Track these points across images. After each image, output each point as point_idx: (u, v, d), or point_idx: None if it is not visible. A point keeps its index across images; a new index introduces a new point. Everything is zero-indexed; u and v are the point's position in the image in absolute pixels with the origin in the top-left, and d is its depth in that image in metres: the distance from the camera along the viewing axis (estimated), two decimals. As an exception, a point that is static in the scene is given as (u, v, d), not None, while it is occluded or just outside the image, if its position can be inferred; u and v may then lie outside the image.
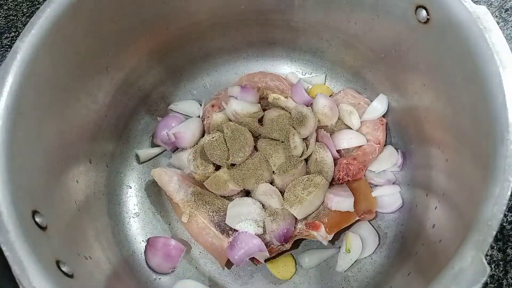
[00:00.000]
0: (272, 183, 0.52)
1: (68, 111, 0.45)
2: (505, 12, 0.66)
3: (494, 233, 0.31)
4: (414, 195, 0.53)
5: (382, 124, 0.57)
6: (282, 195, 0.51)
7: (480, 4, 0.45)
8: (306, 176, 0.52)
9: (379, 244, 0.53)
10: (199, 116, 0.61)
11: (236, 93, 0.58)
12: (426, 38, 0.43)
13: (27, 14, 0.71)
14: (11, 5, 0.72)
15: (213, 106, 0.60)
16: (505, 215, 0.54)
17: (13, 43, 0.50)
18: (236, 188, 0.52)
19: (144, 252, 0.54)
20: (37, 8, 0.50)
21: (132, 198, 0.58)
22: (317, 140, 0.55)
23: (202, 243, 0.52)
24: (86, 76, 0.47)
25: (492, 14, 0.42)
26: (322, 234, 0.50)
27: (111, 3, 0.45)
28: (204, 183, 0.53)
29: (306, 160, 0.53)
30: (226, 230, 0.51)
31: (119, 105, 0.55)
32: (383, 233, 0.54)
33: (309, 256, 0.53)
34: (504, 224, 0.54)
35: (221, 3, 0.54)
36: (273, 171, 0.52)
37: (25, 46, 0.38)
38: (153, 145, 0.60)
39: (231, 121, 0.55)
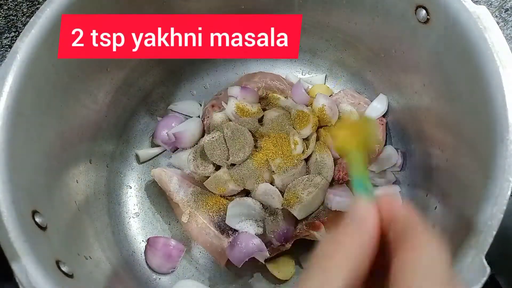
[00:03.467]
0: (272, 183, 0.52)
1: (68, 111, 0.45)
2: (505, 12, 0.66)
3: (494, 233, 0.31)
4: (414, 195, 0.53)
5: (382, 124, 0.57)
6: (282, 195, 0.51)
7: (480, 4, 0.45)
8: (306, 176, 0.52)
9: (379, 244, 0.53)
10: (199, 116, 0.61)
11: (236, 93, 0.58)
12: (426, 38, 0.43)
13: (27, 14, 0.71)
14: (11, 5, 0.72)
15: (213, 106, 0.60)
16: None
17: (13, 43, 0.50)
18: (236, 188, 0.52)
19: (144, 252, 0.54)
20: (37, 8, 0.50)
21: (132, 198, 0.58)
22: (317, 140, 0.55)
23: (202, 243, 0.52)
24: (86, 76, 0.47)
25: (492, 14, 0.42)
26: (322, 234, 0.49)
27: (111, 3, 0.45)
28: (204, 183, 0.53)
29: (306, 160, 0.53)
30: (226, 230, 0.51)
31: (119, 105, 0.55)
32: (383, 233, 0.54)
33: (309, 256, 0.53)
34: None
35: (221, 3, 0.54)
36: (273, 171, 0.52)
37: (25, 46, 0.38)
38: (153, 145, 0.60)
39: (231, 121, 0.55)
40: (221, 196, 0.53)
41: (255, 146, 0.53)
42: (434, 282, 0.22)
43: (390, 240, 0.26)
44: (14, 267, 0.33)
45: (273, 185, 0.52)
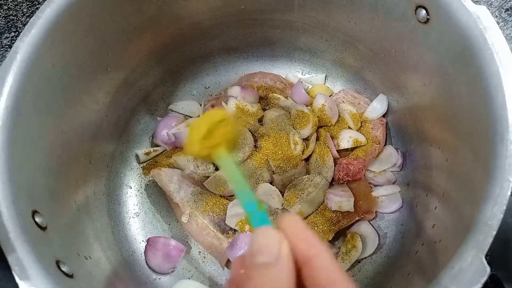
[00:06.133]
0: (272, 183, 0.52)
1: (68, 111, 0.45)
2: (505, 12, 0.66)
3: (494, 233, 0.31)
4: (414, 195, 0.53)
5: (382, 124, 0.57)
6: (282, 195, 0.51)
7: (480, 4, 0.45)
8: (306, 176, 0.52)
9: (379, 244, 0.53)
10: (199, 116, 0.61)
11: (236, 93, 0.58)
12: (426, 38, 0.43)
13: (27, 14, 0.71)
14: (11, 5, 0.72)
15: (213, 106, 0.60)
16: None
17: (13, 43, 0.50)
18: (236, 188, 0.52)
19: (144, 252, 0.54)
20: (37, 8, 0.50)
21: (132, 198, 0.58)
22: (317, 140, 0.55)
23: (202, 243, 0.52)
24: (86, 76, 0.47)
25: (492, 14, 0.42)
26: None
27: (111, 3, 0.45)
28: (204, 183, 0.53)
29: (306, 160, 0.53)
30: (226, 230, 0.51)
31: (119, 105, 0.55)
32: (383, 233, 0.54)
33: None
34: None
35: (221, 3, 0.54)
36: (273, 171, 0.52)
37: (25, 46, 0.38)
38: (153, 145, 0.60)
39: (231, 121, 0.55)
40: (221, 196, 0.53)
41: (255, 146, 0.53)
42: None
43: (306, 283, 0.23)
44: (14, 267, 0.33)
45: (273, 185, 0.52)
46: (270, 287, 0.22)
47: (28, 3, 0.72)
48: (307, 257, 0.23)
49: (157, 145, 0.60)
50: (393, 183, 0.56)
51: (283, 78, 0.62)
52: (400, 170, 0.57)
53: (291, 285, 0.22)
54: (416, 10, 0.42)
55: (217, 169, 0.54)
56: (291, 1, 0.54)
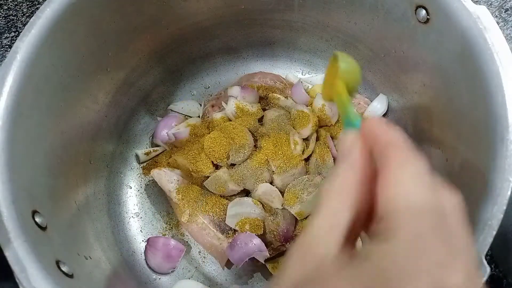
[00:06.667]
0: (272, 183, 0.52)
1: (68, 111, 0.45)
2: (505, 12, 0.66)
3: (494, 233, 0.31)
4: (414, 195, 0.53)
5: (382, 124, 0.57)
6: (282, 195, 0.51)
7: (480, 4, 0.45)
8: (306, 176, 0.52)
9: (379, 244, 0.53)
10: (199, 116, 0.61)
11: (236, 93, 0.58)
12: (426, 38, 0.43)
13: (27, 14, 0.71)
14: (11, 5, 0.72)
15: (213, 106, 0.60)
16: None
17: (13, 43, 0.50)
18: (236, 188, 0.52)
19: (144, 252, 0.54)
20: (37, 8, 0.50)
21: (132, 198, 0.58)
22: (317, 140, 0.55)
23: (202, 243, 0.52)
24: (86, 76, 0.47)
25: (492, 14, 0.42)
26: None
27: (111, 3, 0.45)
28: (204, 183, 0.53)
29: (306, 160, 0.53)
30: (226, 230, 0.51)
31: (119, 105, 0.55)
32: (383, 233, 0.54)
33: (309, 256, 0.53)
34: (504, 224, 0.54)
35: (221, 3, 0.54)
36: (273, 171, 0.52)
37: (25, 46, 0.38)
38: (153, 145, 0.60)
39: (231, 121, 0.55)
40: (221, 196, 0.53)
41: (255, 146, 0.53)
42: (420, 191, 0.22)
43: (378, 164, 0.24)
44: (14, 267, 0.33)
45: (273, 185, 0.52)
46: (335, 180, 0.24)
47: (28, 3, 0.72)
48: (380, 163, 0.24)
49: (157, 145, 0.60)
50: (393, 183, 0.56)
51: (283, 78, 0.61)
52: (400, 170, 0.56)
53: (353, 181, 0.24)
54: (416, 10, 0.42)
55: (217, 169, 0.54)
56: (291, 1, 0.54)
